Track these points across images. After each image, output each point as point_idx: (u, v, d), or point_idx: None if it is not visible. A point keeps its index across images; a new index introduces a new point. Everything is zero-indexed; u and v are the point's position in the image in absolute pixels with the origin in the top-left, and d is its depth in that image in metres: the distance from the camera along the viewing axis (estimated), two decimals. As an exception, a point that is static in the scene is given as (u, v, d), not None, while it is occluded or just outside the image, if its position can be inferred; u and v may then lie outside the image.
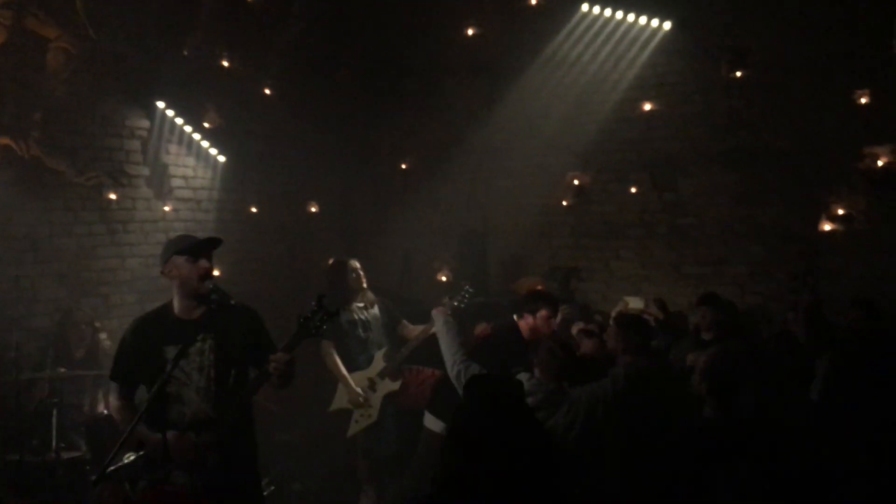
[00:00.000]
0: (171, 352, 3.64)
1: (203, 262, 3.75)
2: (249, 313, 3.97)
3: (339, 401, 6.23)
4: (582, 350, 5.29)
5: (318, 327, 3.64)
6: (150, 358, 3.70)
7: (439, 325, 5.04)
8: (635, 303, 6.84)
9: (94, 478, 3.34)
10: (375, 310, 6.42)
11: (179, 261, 3.73)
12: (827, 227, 6.91)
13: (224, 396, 3.77)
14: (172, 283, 3.78)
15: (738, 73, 7.24)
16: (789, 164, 7.08)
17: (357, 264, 6.44)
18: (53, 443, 5.09)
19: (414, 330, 6.32)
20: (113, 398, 3.88)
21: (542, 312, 5.29)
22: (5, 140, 5.77)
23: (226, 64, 7.46)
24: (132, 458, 3.42)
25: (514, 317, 5.44)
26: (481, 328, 6.62)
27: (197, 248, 3.75)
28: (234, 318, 3.84)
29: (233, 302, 3.85)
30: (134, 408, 3.78)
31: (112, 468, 3.26)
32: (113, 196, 6.66)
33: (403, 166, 9.21)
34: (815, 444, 3.89)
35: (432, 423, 5.32)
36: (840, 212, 6.83)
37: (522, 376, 4.46)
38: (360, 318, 6.32)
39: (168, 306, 3.86)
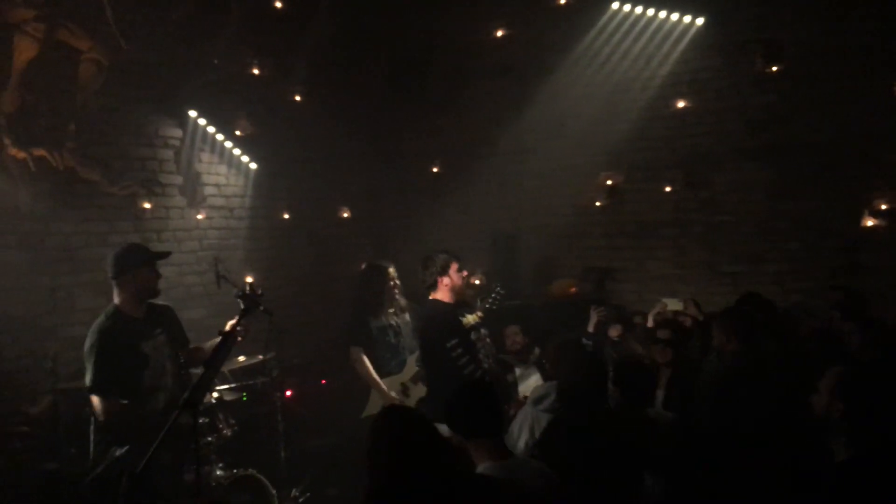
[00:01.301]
0: (145, 346, 4.31)
1: (158, 270, 4.48)
2: (171, 308, 4.72)
3: (373, 406, 6.21)
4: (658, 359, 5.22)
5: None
6: (128, 358, 4.23)
7: None
8: (673, 304, 6.74)
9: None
10: (406, 315, 6.40)
11: (144, 270, 4.39)
12: (868, 222, 6.74)
13: (185, 379, 4.50)
14: (125, 287, 4.35)
15: (774, 68, 7.11)
16: (827, 159, 6.94)
17: (394, 273, 6.42)
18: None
19: None
20: (106, 405, 4.13)
21: (452, 266, 5.21)
22: (40, 151, 5.85)
23: (255, 71, 7.49)
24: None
25: (430, 296, 5.30)
26: (513, 331, 6.58)
27: (157, 258, 4.50)
28: (166, 312, 4.62)
29: (262, 308, 4.41)
30: (127, 406, 4.16)
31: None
32: (147, 205, 6.73)
33: (433, 169, 9.19)
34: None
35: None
36: (882, 207, 6.67)
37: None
38: (391, 324, 6.30)
39: (118, 312, 4.34)
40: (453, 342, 4.97)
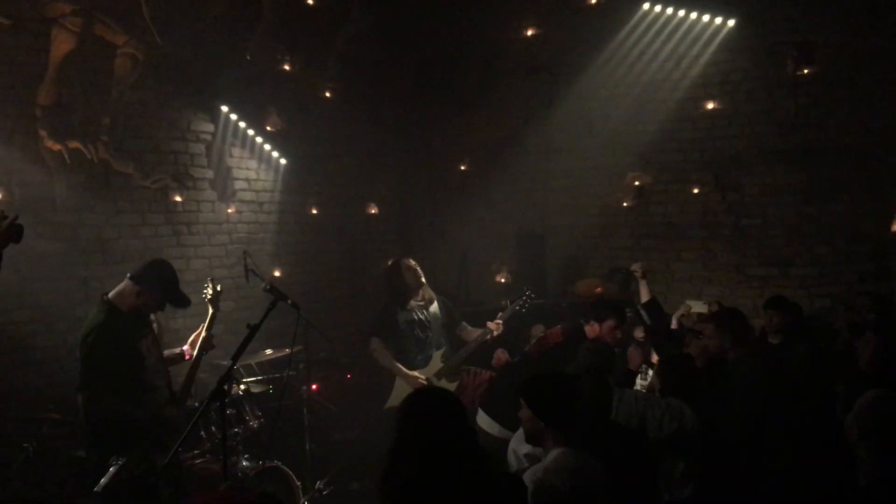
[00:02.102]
0: (142, 346, 4.36)
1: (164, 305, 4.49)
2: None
3: (396, 398, 6.25)
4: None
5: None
6: (127, 356, 4.26)
7: None
8: (698, 307, 6.72)
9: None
10: (435, 308, 6.44)
11: (154, 297, 4.38)
12: (900, 227, 6.68)
13: (169, 379, 4.59)
14: (130, 292, 4.33)
15: (806, 70, 7.05)
16: (858, 162, 6.89)
17: (412, 262, 6.46)
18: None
19: (473, 332, 6.32)
20: (96, 406, 4.17)
21: (609, 322, 5.28)
22: (75, 144, 5.94)
23: (286, 67, 7.56)
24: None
25: (581, 321, 5.42)
26: (538, 330, 6.58)
27: (173, 300, 4.47)
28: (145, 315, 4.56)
29: (289, 301, 4.56)
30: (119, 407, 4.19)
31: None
32: (178, 198, 6.81)
33: (461, 167, 9.21)
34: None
35: (487, 424, 5.29)
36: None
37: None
38: (419, 318, 6.34)
39: (113, 308, 4.29)
40: None
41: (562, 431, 3.49)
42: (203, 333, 4.70)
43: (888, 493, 3.01)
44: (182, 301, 4.48)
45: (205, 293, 4.77)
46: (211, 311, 4.71)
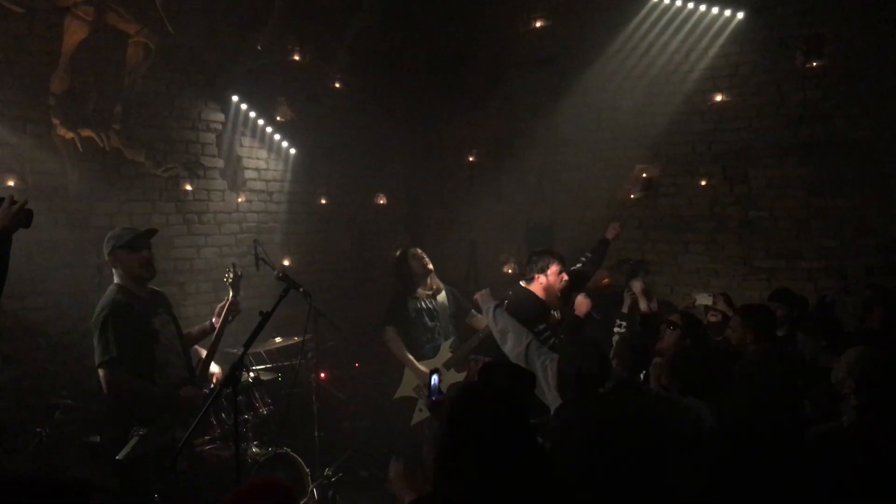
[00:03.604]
0: (156, 322, 4.42)
1: (144, 253, 4.44)
2: (163, 293, 4.78)
3: (405, 389, 6.30)
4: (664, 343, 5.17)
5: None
6: (140, 331, 4.32)
7: (489, 308, 5.03)
8: (703, 299, 6.73)
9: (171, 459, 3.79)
10: (443, 297, 6.47)
11: (121, 253, 4.39)
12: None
13: (188, 358, 4.66)
14: (116, 269, 4.44)
15: (815, 63, 7.05)
16: (866, 156, 6.89)
17: (419, 251, 6.50)
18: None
19: (482, 321, 6.34)
20: (117, 379, 4.21)
21: (553, 267, 5.30)
22: (87, 132, 5.98)
23: (297, 58, 7.58)
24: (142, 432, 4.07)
25: (522, 283, 5.48)
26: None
27: (136, 242, 4.41)
28: (164, 296, 4.73)
29: (301, 289, 4.66)
30: (138, 382, 4.26)
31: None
32: (189, 187, 6.86)
33: (470, 158, 9.22)
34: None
35: None
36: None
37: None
38: (427, 307, 6.38)
39: (122, 288, 4.39)
40: (541, 327, 5.08)
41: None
42: (229, 300, 4.77)
43: (872, 433, 3.42)
44: (137, 237, 4.46)
45: (227, 277, 4.86)
46: (231, 294, 4.78)
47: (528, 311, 5.21)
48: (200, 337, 4.91)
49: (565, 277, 5.47)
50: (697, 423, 3.99)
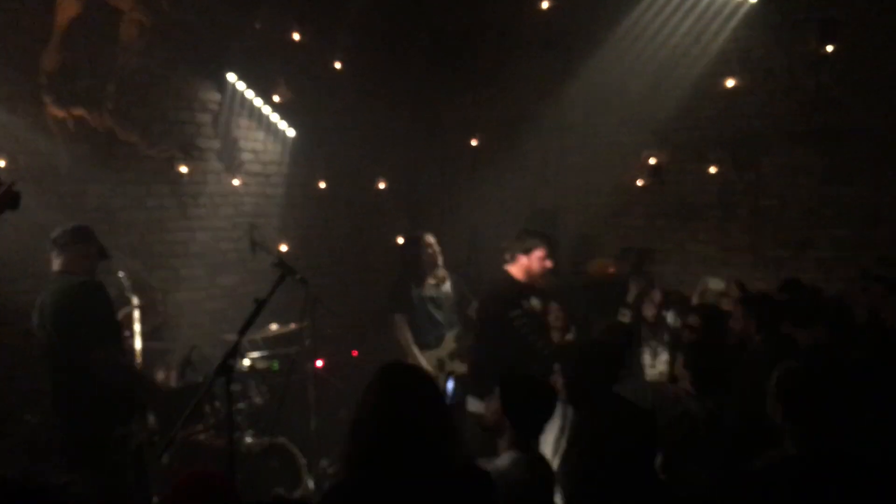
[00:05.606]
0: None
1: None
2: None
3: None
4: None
5: None
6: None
7: None
8: (715, 284, 6.61)
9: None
10: (447, 286, 6.37)
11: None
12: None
13: None
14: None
15: (828, 48, 6.89)
16: (880, 144, 6.76)
17: (432, 239, 6.39)
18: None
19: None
20: (117, 355, 4.31)
21: (538, 252, 5.17)
22: (79, 112, 5.83)
23: (296, 37, 7.42)
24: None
25: (505, 266, 5.36)
26: (554, 307, 6.48)
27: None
28: None
29: (298, 276, 4.57)
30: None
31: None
32: (184, 169, 6.70)
33: (473, 142, 9.07)
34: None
35: (475, 405, 5.18)
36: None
37: None
38: (432, 296, 6.28)
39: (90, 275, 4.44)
40: (516, 313, 4.94)
41: (523, 437, 3.42)
42: None
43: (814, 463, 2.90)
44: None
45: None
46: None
47: (502, 298, 5.16)
48: None
49: (549, 264, 5.33)
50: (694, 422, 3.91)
